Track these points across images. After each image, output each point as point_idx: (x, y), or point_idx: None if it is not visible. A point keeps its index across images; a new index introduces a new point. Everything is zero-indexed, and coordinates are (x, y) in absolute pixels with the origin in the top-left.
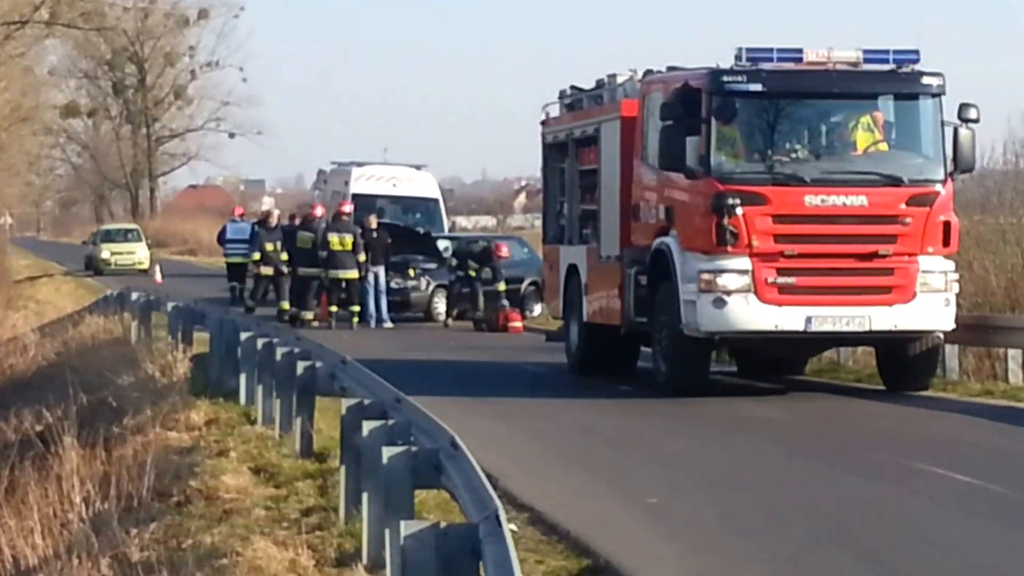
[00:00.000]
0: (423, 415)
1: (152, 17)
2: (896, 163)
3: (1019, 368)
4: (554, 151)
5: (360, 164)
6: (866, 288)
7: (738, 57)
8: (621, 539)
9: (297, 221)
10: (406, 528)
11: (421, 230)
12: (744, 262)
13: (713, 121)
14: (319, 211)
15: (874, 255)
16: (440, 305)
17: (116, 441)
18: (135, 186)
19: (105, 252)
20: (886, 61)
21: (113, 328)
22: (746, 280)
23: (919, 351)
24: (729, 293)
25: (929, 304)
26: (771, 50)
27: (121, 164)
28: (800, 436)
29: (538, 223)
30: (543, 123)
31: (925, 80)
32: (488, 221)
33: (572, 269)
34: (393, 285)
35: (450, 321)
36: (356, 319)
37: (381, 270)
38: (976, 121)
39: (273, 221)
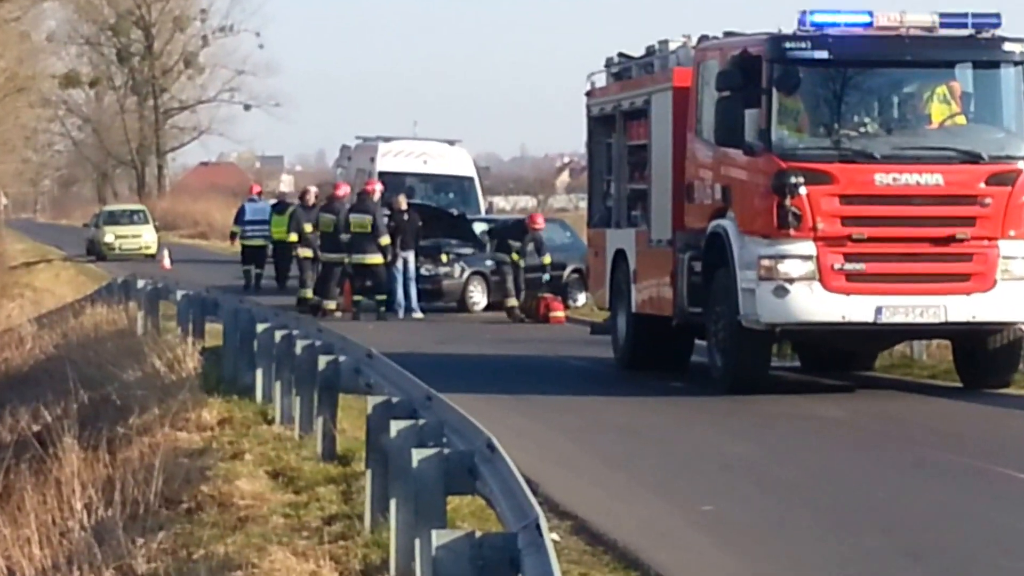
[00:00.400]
0: (456, 414)
1: None
2: (975, 138)
3: None
4: (600, 125)
5: (387, 139)
6: (942, 276)
7: (801, 22)
8: (673, 549)
9: (310, 200)
10: (438, 538)
11: (455, 211)
12: (808, 247)
13: (774, 92)
14: (342, 190)
15: (950, 239)
16: (476, 294)
17: (121, 442)
18: (141, 163)
19: (108, 235)
20: (964, 26)
21: (117, 319)
22: (810, 266)
23: (1000, 345)
24: (791, 281)
25: (1011, 293)
26: (838, 13)
27: (126, 139)
28: (868, 438)
29: (583, 204)
30: (588, 94)
31: (1007, 47)
32: (528, 202)
33: (619, 255)
34: (424, 272)
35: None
36: (383, 309)
37: (411, 255)
38: None
39: (311, 199)
